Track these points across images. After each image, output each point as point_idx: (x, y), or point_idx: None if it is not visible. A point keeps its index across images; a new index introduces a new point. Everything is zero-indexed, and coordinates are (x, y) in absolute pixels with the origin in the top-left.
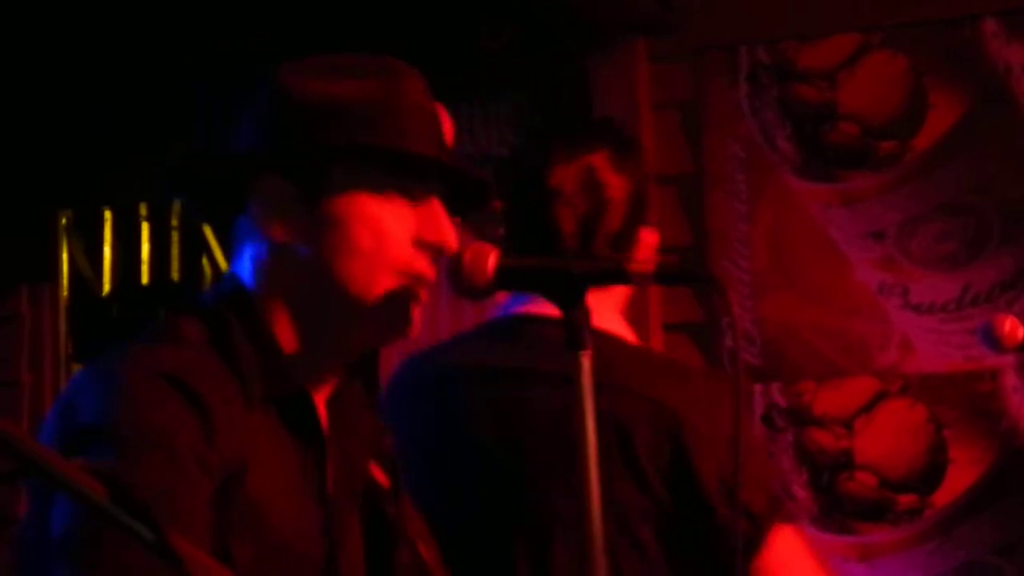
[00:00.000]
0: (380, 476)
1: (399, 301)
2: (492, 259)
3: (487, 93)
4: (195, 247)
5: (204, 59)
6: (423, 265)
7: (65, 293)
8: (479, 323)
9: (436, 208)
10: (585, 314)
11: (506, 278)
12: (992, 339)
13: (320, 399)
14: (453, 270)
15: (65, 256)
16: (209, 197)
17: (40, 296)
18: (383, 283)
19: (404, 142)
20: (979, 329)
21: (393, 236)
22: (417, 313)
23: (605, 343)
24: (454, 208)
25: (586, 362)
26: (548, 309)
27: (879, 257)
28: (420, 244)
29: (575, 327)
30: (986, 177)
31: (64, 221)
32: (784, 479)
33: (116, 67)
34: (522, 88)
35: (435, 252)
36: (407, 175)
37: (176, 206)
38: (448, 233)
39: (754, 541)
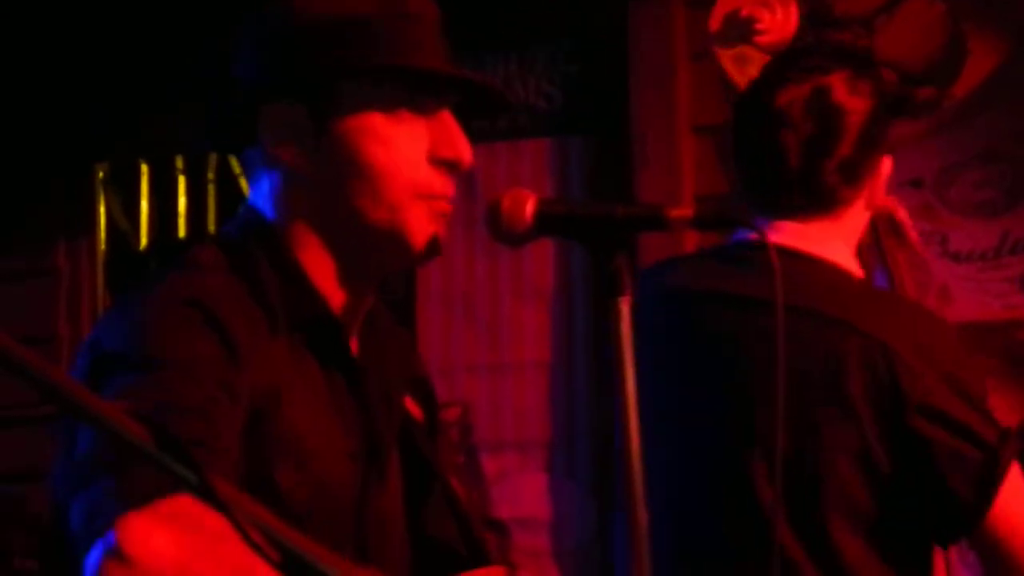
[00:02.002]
0: (414, 409)
1: (420, 221)
2: (531, 205)
3: (523, 43)
4: (232, 200)
5: (243, 9)
6: (441, 182)
7: (102, 247)
8: (714, 246)
9: (449, 122)
10: (625, 260)
11: (545, 224)
12: None
13: (350, 327)
14: (492, 216)
15: (102, 210)
16: (222, 127)
17: (78, 250)
18: (401, 204)
19: (413, 58)
20: (1018, 277)
21: (407, 154)
22: (441, 232)
23: (821, 272)
24: (467, 116)
25: (624, 309)
26: (782, 238)
27: (917, 205)
28: (435, 161)
29: (615, 273)
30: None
31: (101, 175)
32: None
33: (152, 19)
34: (558, 38)
35: (451, 168)
36: (418, 90)
37: (212, 159)
38: (463, 147)
39: (992, 470)
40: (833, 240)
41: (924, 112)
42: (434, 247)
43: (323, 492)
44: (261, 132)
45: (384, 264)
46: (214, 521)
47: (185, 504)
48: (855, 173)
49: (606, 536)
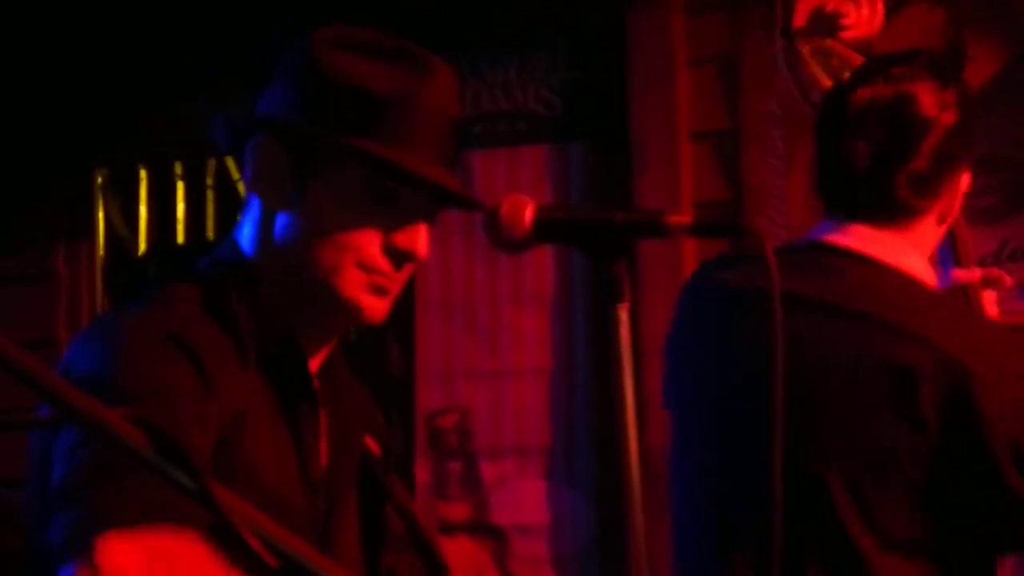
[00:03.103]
0: (373, 446)
1: (353, 288)
2: (529, 211)
3: (522, 49)
4: (230, 206)
5: (241, 14)
6: (386, 266)
7: (101, 252)
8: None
9: (416, 221)
10: (625, 267)
11: (544, 230)
12: None
13: (312, 365)
14: (490, 223)
15: (101, 215)
16: (231, 151)
17: (76, 255)
18: (343, 271)
19: (405, 156)
20: (1017, 283)
21: (364, 234)
22: (376, 302)
23: (893, 280)
24: (443, 206)
25: (624, 315)
26: (853, 242)
27: None
28: (389, 249)
29: (614, 280)
30: (1023, 132)
31: (100, 180)
32: None
33: (151, 24)
34: (557, 44)
35: (402, 258)
36: (395, 181)
37: (211, 164)
38: (420, 243)
39: None
40: (906, 249)
41: None
42: (359, 317)
43: (280, 522)
44: (252, 161)
45: (330, 317)
46: (191, 554)
47: (165, 533)
48: (928, 186)
49: (605, 542)
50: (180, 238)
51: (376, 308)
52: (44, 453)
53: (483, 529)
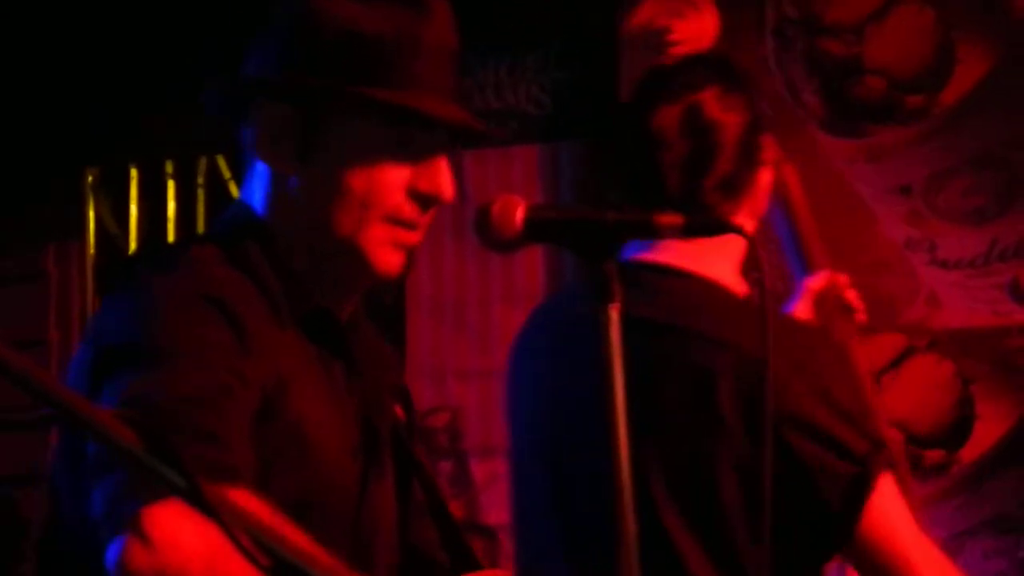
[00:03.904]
0: (399, 411)
1: (379, 246)
2: (520, 211)
3: (513, 48)
4: (221, 204)
5: (241, 14)
6: (411, 210)
7: (92, 251)
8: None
9: (437, 159)
10: (615, 267)
11: (535, 230)
12: (1020, 294)
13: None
14: (481, 222)
15: (92, 214)
16: (226, 115)
17: (67, 254)
18: (367, 227)
19: (414, 94)
20: (1007, 284)
21: (386, 184)
22: (398, 258)
23: (700, 290)
24: (459, 142)
25: (614, 315)
26: (666, 256)
27: (906, 212)
28: (413, 193)
29: (604, 280)
30: (1013, 131)
31: (90, 179)
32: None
33: (144, 24)
34: (548, 43)
35: (428, 202)
36: (412, 123)
37: (202, 163)
38: (445, 184)
39: (861, 482)
40: (715, 257)
41: (913, 119)
42: (386, 273)
43: (325, 486)
44: (256, 125)
45: (350, 279)
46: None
47: (213, 493)
48: (734, 188)
49: None
50: (171, 237)
51: (395, 264)
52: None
53: (474, 528)
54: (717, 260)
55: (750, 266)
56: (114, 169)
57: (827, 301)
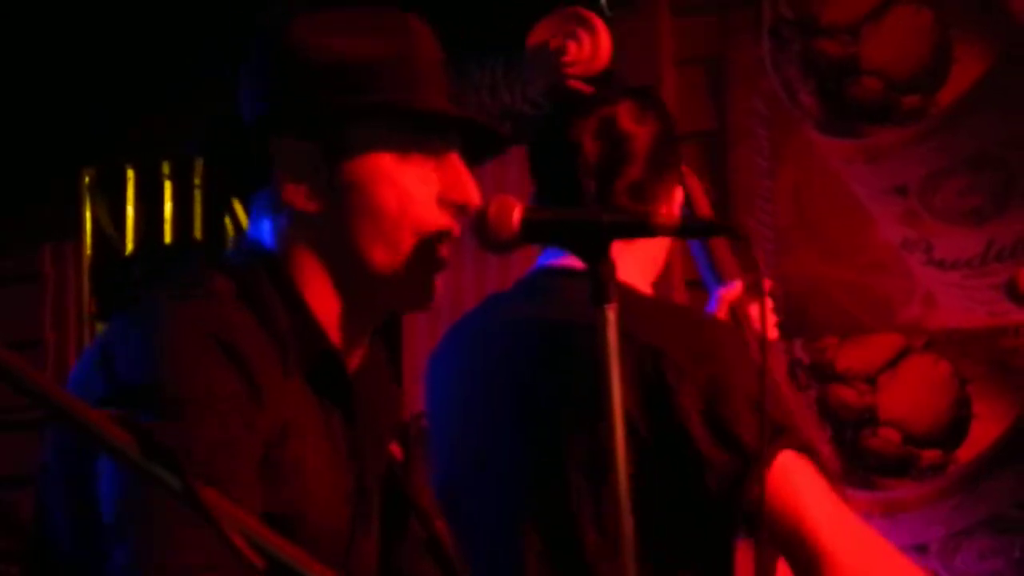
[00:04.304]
0: (396, 450)
1: (421, 267)
2: (517, 212)
3: (509, 49)
4: (218, 206)
5: (241, 14)
6: (447, 223)
7: (88, 252)
8: (516, 281)
9: (457, 164)
10: (610, 267)
11: (531, 231)
12: (1016, 294)
13: (349, 365)
14: (478, 224)
15: (88, 215)
16: (230, 164)
17: (63, 255)
18: (406, 246)
19: (421, 99)
20: (1003, 284)
21: (417, 196)
22: (439, 280)
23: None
24: (471, 158)
25: (611, 315)
26: (572, 261)
27: (902, 212)
28: (444, 203)
29: (600, 280)
30: (1010, 132)
31: (87, 180)
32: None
33: (140, 24)
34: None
35: (460, 210)
36: (426, 132)
37: (198, 164)
38: (471, 189)
39: (744, 474)
40: (624, 260)
41: (909, 119)
42: (427, 296)
43: (316, 533)
44: (273, 170)
45: (384, 307)
46: None
47: None
48: (644, 195)
49: None
50: (167, 238)
51: (431, 291)
52: (79, 460)
53: None
54: (622, 260)
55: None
56: (111, 170)
57: (739, 309)
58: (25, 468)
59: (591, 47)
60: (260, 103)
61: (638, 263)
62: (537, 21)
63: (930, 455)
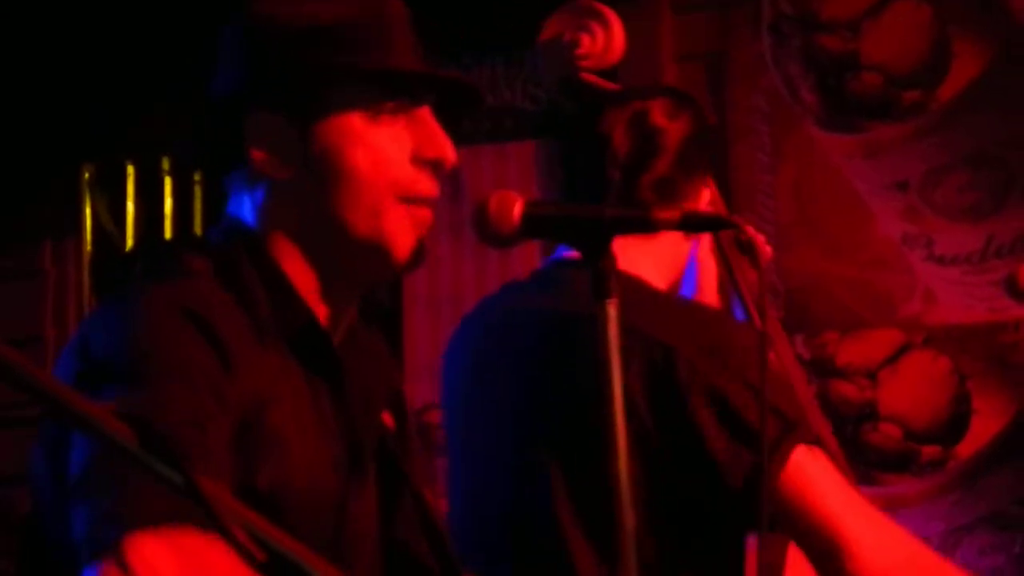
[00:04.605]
0: (388, 420)
1: (402, 228)
2: (518, 206)
3: (508, 45)
4: (218, 202)
5: (232, 13)
6: (425, 183)
7: (88, 248)
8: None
9: (431, 122)
10: (612, 262)
11: (532, 225)
12: (1016, 290)
13: (334, 337)
14: (479, 218)
15: (88, 211)
16: (207, 147)
17: (64, 251)
18: (383, 209)
19: (390, 60)
20: (1003, 280)
21: (390, 156)
22: (413, 243)
23: (620, 284)
24: (446, 116)
25: (612, 311)
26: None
27: (903, 208)
28: (419, 161)
29: (601, 275)
30: (1010, 127)
31: (87, 176)
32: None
33: (140, 22)
34: None
35: (435, 167)
36: (396, 92)
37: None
38: (446, 146)
39: (758, 470)
40: (642, 257)
41: (910, 115)
42: (419, 256)
43: (305, 501)
44: (248, 144)
45: (367, 275)
46: (221, 556)
47: (194, 536)
48: (671, 192)
49: None
50: (168, 234)
51: (411, 250)
52: (58, 438)
53: None
54: (640, 257)
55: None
56: (111, 166)
57: (725, 247)
58: (24, 466)
59: (604, 40)
60: (230, 78)
61: (655, 261)
62: (538, 19)
63: (930, 451)
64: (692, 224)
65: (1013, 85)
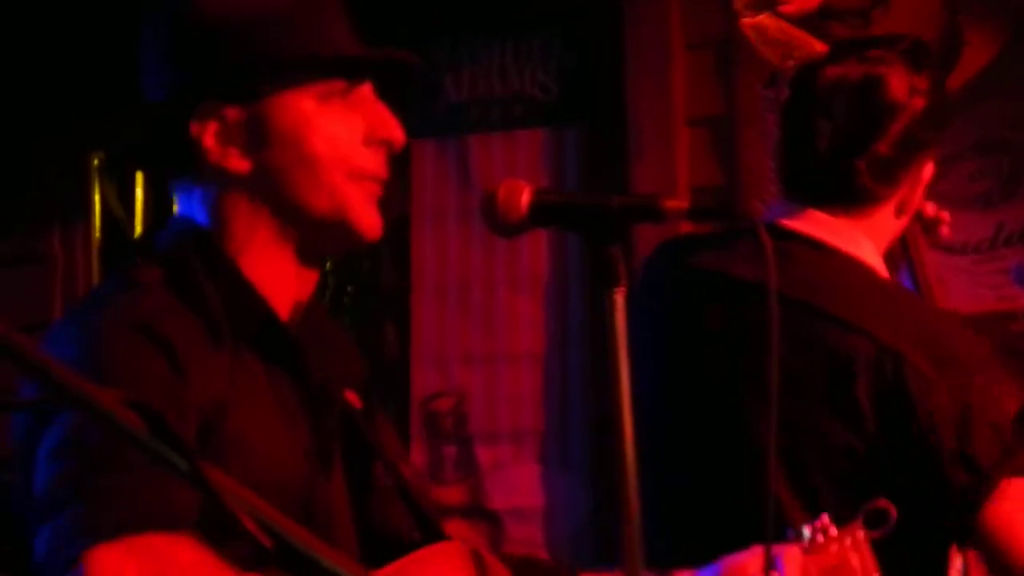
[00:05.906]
0: (353, 398)
1: (360, 203)
2: (526, 195)
3: (518, 32)
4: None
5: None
6: (375, 162)
7: (97, 234)
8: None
9: (374, 103)
10: (620, 251)
11: (541, 214)
12: None
13: (292, 324)
14: (487, 206)
15: (97, 197)
16: (153, 148)
17: (73, 237)
18: (341, 187)
19: (329, 45)
20: (1012, 269)
21: (343, 137)
22: (377, 217)
23: (844, 268)
24: (392, 91)
25: (619, 300)
26: (811, 227)
27: None
28: (370, 142)
29: (609, 264)
30: (1020, 116)
31: (96, 162)
32: None
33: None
34: (554, 27)
35: (386, 147)
36: (337, 74)
37: None
38: (393, 125)
39: (977, 495)
40: (861, 234)
41: None
42: (367, 232)
43: (274, 495)
44: (199, 140)
45: (335, 251)
46: (184, 560)
47: (156, 541)
48: (889, 173)
49: (599, 526)
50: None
51: (376, 223)
52: (27, 454)
53: (478, 513)
54: (862, 237)
55: (931, 241)
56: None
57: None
58: None
59: None
60: (168, 77)
61: (875, 240)
62: (547, 7)
63: None
64: (701, 213)
65: (1023, 73)
